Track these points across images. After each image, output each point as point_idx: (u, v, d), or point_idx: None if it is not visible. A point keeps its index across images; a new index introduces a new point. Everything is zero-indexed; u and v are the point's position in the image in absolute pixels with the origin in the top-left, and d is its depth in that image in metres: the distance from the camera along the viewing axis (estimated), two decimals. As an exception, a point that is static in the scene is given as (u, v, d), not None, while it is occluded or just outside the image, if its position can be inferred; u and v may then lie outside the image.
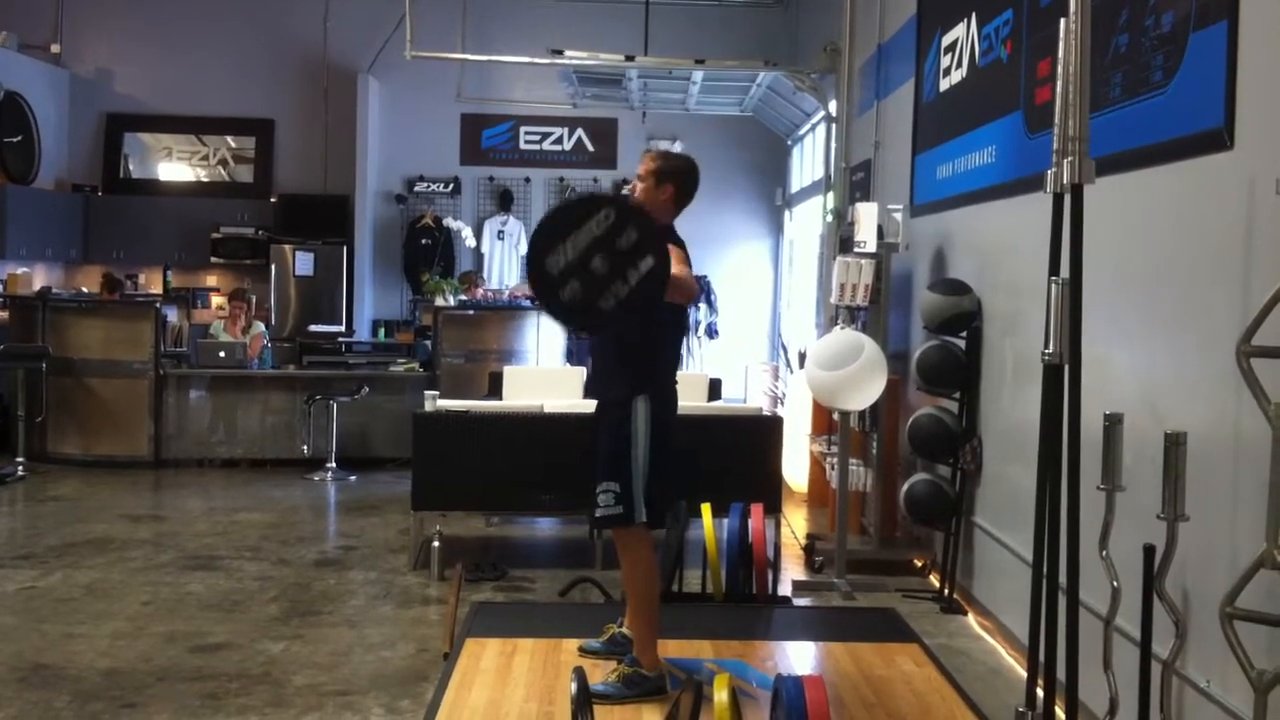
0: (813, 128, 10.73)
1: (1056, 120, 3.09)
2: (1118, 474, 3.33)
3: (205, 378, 9.15)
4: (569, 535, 7.00)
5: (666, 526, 4.76)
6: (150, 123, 12.65)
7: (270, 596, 5.55)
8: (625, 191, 4.37)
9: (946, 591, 5.64)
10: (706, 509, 5.18)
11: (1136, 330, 3.85)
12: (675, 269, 3.71)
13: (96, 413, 9.06)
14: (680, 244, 4.12)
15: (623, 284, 3.53)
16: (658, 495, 4.05)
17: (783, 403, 9.90)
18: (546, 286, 3.56)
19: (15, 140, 11.38)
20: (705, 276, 12.61)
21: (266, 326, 10.21)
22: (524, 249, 12.37)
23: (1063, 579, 3.08)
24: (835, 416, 6.34)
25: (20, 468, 8.51)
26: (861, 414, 6.29)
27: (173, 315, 11.84)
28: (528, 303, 10.19)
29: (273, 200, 12.47)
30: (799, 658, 4.59)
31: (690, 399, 4.02)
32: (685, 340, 11.89)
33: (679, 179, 4.17)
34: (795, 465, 8.29)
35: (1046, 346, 3.09)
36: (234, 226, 12.35)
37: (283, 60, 12.51)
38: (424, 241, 12.36)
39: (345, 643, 4.87)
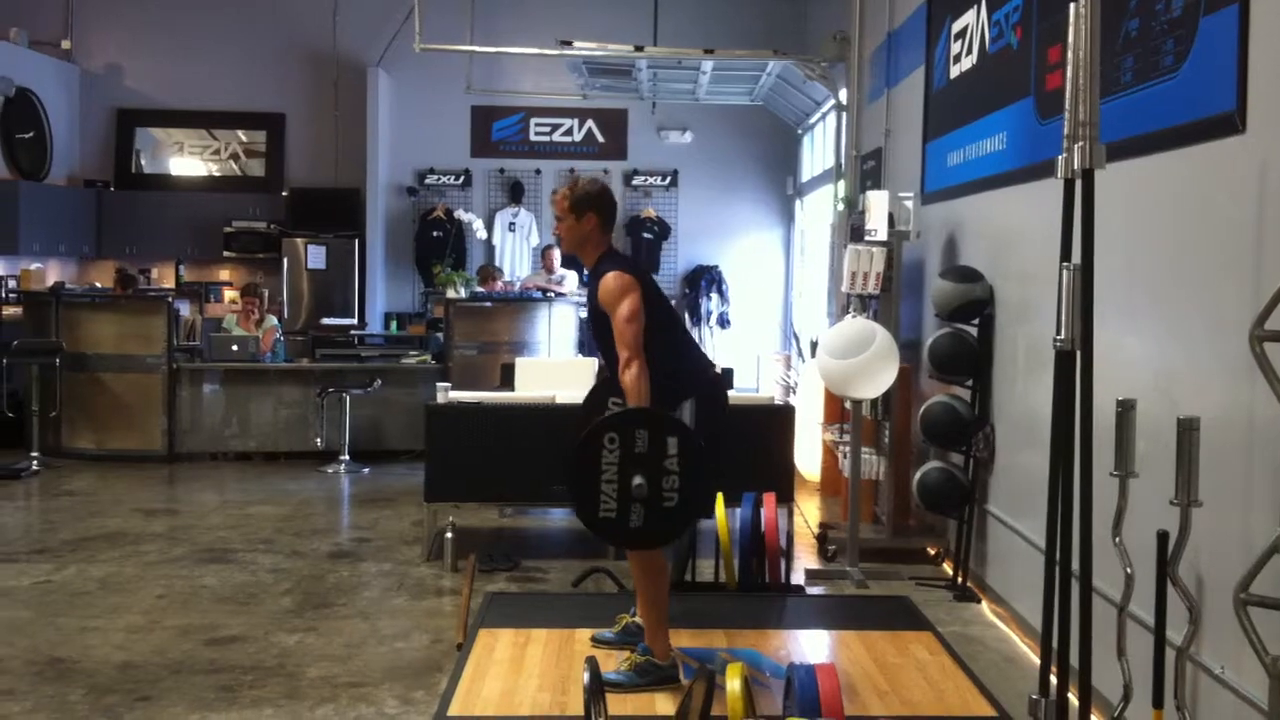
0: (823, 116, 10.70)
1: (1067, 106, 3.07)
2: (1131, 460, 3.32)
3: (218, 372, 9.17)
4: (581, 526, 6.97)
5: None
6: (161, 118, 12.65)
7: (284, 589, 5.58)
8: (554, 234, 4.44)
9: (960, 579, 5.63)
10: (719, 498, 5.18)
11: (1149, 316, 3.83)
12: (628, 368, 3.84)
13: (110, 407, 9.09)
14: (626, 267, 4.05)
15: (672, 481, 3.74)
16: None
17: (795, 392, 9.89)
18: (615, 531, 3.91)
19: (27, 136, 11.41)
20: (716, 267, 12.64)
21: (279, 320, 10.23)
22: (535, 241, 12.46)
23: (1076, 566, 3.08)
24: (847, 405, 6.33)
25: (35, 463, 8.55)
26: (873, 402, 6.28)
27: (185, 309, 11.87)
28: (539, 294, 10.20)
29: (284, 194, 12.47)
30: (812, 646, 4.59)
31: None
32: (695, 328, 12.06)
33: (595, 203, 4.16)
34: (808, 454, 8.28)
35: (1058, 333, 3.07)
36: (246, 220, 12.35)
37: (292, 54, 12.51)
38: (435, 234, 12.35)
39: (359, 634, 4.89)
